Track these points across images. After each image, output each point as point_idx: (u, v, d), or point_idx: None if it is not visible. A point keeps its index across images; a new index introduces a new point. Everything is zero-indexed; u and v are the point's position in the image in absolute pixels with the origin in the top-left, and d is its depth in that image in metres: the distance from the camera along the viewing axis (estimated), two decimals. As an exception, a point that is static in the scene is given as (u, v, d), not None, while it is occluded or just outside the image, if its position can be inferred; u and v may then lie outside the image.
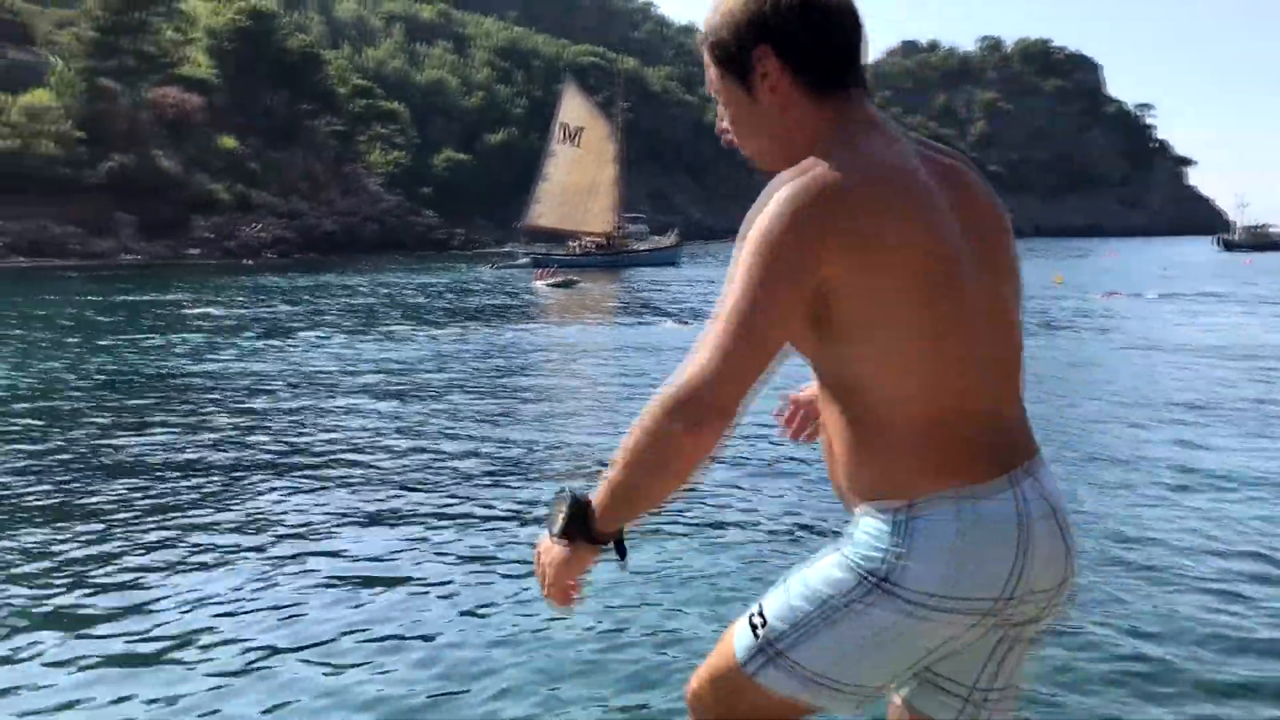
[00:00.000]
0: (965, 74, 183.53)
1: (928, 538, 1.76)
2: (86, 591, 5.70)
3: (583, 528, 1.85)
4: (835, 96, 1.85)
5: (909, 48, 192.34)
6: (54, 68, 68.54)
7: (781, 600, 1.89)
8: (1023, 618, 1.84)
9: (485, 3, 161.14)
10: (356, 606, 5.45)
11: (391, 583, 5.83)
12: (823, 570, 1.86)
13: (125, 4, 68.66)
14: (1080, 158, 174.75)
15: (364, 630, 5.08)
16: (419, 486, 8.09)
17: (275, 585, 5.77)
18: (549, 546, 1.91)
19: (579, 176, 58.47)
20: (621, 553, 1.90)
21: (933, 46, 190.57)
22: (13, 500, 7.65)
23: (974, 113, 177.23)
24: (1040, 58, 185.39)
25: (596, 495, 1.84)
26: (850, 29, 1.86)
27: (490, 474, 8.52)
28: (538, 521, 7.06)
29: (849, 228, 1.70)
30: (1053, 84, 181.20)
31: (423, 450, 9.42)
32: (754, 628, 1.90)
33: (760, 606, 1.92)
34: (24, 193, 60.29)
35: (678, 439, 1.70)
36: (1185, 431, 10.22)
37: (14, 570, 6.03)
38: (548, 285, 36.67)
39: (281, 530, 6.87)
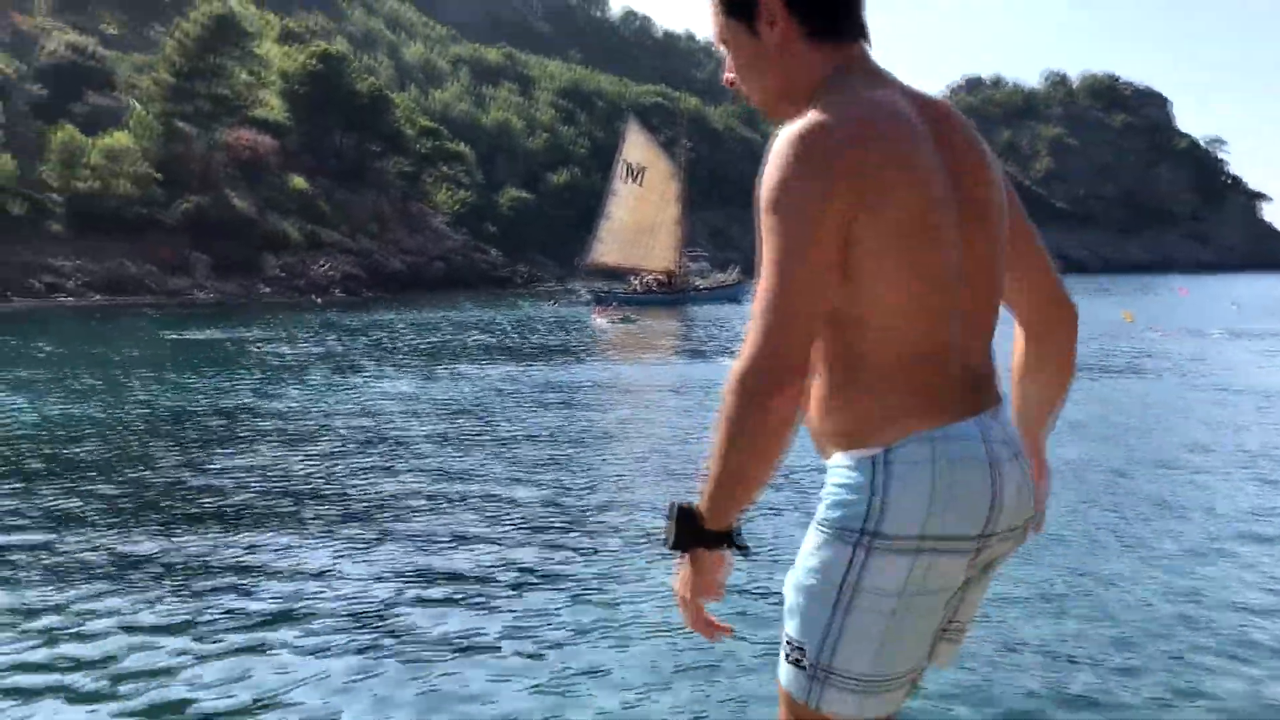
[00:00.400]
0: (1030, 110, 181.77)
1: (905, 477, 1.80)
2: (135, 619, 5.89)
3: (695, 532, 1.84)
4: (835, 44, 1.91)
5: (973, 84, 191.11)
6: (133, 111, 70.65)
7: (796, 614, 1.88)
8: (992, 556, 1.89)
9: (549, 45, 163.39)
10: (417, 662, 5.57)
11: (454, 648, 5.94)
12: (808, 560, 1.86)
13: (202, 49, 70.64)
14: (1149, 193, 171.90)
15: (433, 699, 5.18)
16: (481, 525, 8.22)
17: (344, 628, 5.92)
18: (678, 573, 1.91)
19: (641, 214, 58.82)
20: (740, 548, 1.87)
21: (996, 82, 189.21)
22: (87, 530, 7.91)
23: (1039, 148, 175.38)
24: (1106, 93, 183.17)
25: (701, 496, 1.84)
26: None
27: (550, 509, 8.63)
28: (587, 554, 7.16)
29: (852, 168, 1.75)
30: (1120, 119, 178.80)
31: (483, 490, 9.55)
32: (794, 661, 1.88)
33: (787, 634, 1.90)
34: (103, 232, 62.07)
35: (762, 405, 1.71)
36: (1255, 485, 10.02)
37: (76, 600, 6.25)
38: (607, 322, 36.85)
39: (348, 563, 7.03)
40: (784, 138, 1.78)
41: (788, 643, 1.89)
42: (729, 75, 2.00)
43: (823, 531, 1.85)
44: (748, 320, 1.80)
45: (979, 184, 1.90)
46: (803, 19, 1.89)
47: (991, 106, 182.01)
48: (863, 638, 1.82)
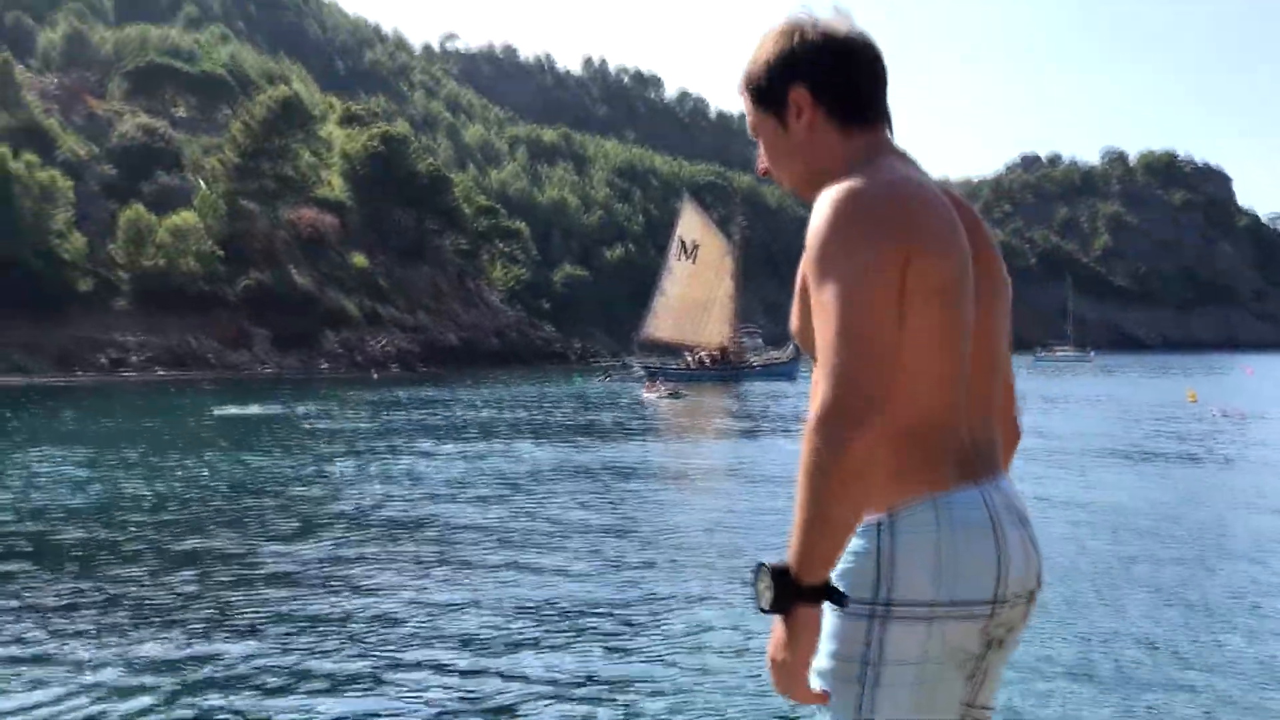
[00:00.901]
0: (1088, 187, 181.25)
1: (912, 543, 1.82)
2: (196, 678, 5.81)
3: (793, 590, 1.79)
4: (861, 129, 1.99)
5: (1029, 161, 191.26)
6: (199, 190, 72.68)
7: (831, 696, 1.86)
8: (1006, 622, 1.89)
9: (606, 125, 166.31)
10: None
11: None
12: (828, 644, 1.85)
13: (267, 131, 72.76)
14: (1210, 270, 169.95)
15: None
16: (527, 620, 8.09)
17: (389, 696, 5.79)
18: (771, 640, 1.85)
19: (695, 291, 59.15)
20: (838, 599, 1.83)
21: (1053, 160, 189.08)
22: (141, 597, 7.89)
23: (1097, 225, 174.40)
24: (1165, 169, 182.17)
25: (789, 551, 1.79)
26: (870, 66, 2.01)
27: (600, 585, 8.48)
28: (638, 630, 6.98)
29: (900, 219, 1.81)
30: (1179, 196, 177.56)
31: (531, 570, 9.44)
32: None
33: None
34: (167, 308, 63.56)
35: (844, 446, 1.70)
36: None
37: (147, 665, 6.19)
38: (656, 397, 36.88)
39: (394, 638, 6.93)
40: (831, 196, 1.85)
41: None
42: (763, 164, 2.11)
43: (835, 609, 1.84)
44: (808, 387, 1.79)
45: (993, 265, 1.99)
46: (829, 108, 1.98)
47: (1048, 184, 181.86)
48: (896, 712, 1.81)
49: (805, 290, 1.90)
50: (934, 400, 1.86)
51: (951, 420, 1.88)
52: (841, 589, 1.82)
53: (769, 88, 2.01)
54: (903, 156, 1.99)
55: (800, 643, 1.81)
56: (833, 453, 1.70)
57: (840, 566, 1.83)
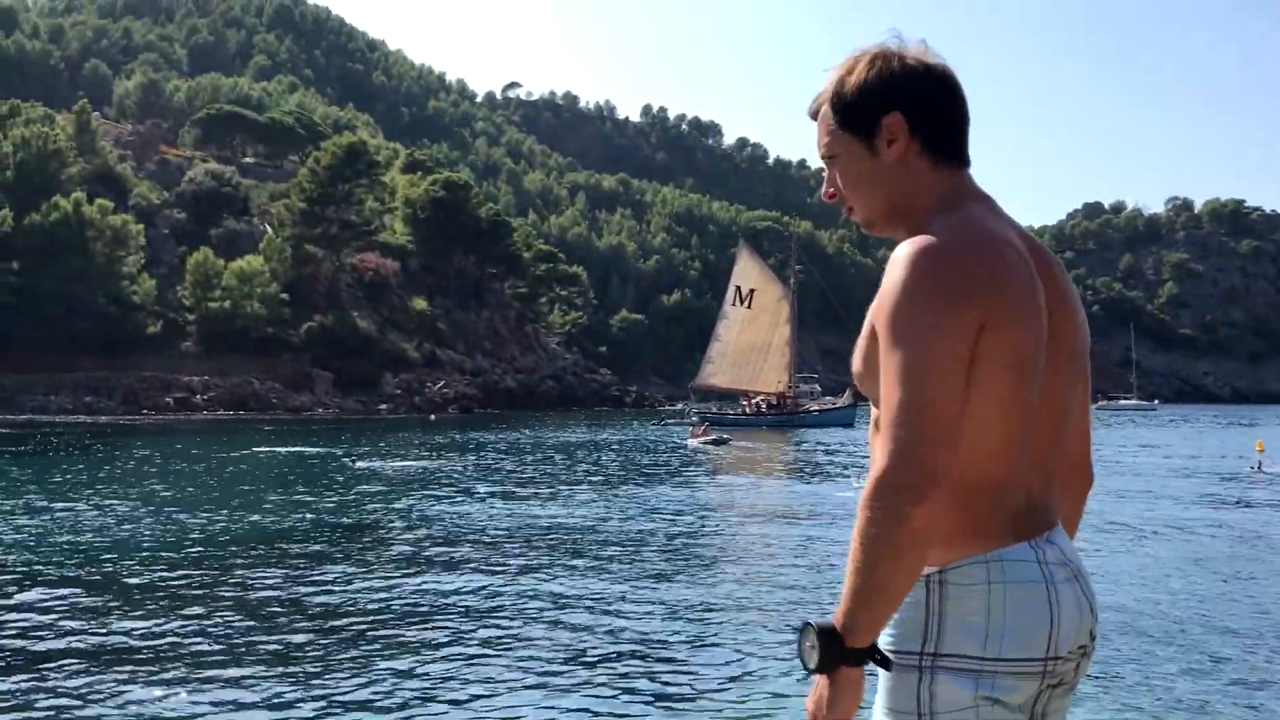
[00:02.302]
0: (1151, 234, 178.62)
1: (961, 599, 1.79)
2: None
3: (840, 652, 1.78)
4: (950, 167, 1.93)
5: (1092, 209, 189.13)
6: (265, 235, 74.21)
7: None
8: (1062, 675, 1.84)
9: (664, 172, 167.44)
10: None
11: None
12: (883, 695, 1.84)
13: (332, 177, 74.23)
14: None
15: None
16: (580, 648, 8.11)
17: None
18: (814, 693, 1.84)
19: (752, 337, 59.09)
20: (884, 662, 1.82)
21: (1117, 209, 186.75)
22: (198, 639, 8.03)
23: (1163, 274, 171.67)
24: (1231, 218, 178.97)
25: (839, 613, 1.78)
26: (963, 104, 1.96)
27: (653, 631, 8.49)
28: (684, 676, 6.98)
29: (982, 283, 1.76)
30: (1247, 245, 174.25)
31: (580, 617, 9.46)
32: None
33: None
34: (232, 350, 64.79)
35: (906, 516, 1.68)
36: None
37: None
38: (700, 443, 36.94)
39: (444, 683, 6.99)
40: (911, 251, 1.78)
41: None
42: (830, 189, 2.01)
43: (885, 668, 1.82)
44: (866, 433, 1.78)
45: (1068, 324, 1.91)
46: (925, 139, 1.92)
47: (1112, 232, 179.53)
48: None
49: (873, 337, 1.84)
50: (994, 465, 1.82)
51: (1010, 483, 1.84)
52: (889, 641, 1.81)
53: (862, 111, 1.92)
54: (988, 201, 1.94)
55: (841, 702, 1.80)
56: (890, 524, 1.68)
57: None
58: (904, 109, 1.90)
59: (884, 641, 1.83)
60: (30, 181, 65.06)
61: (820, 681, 1.82)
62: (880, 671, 1.83)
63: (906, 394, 1.71)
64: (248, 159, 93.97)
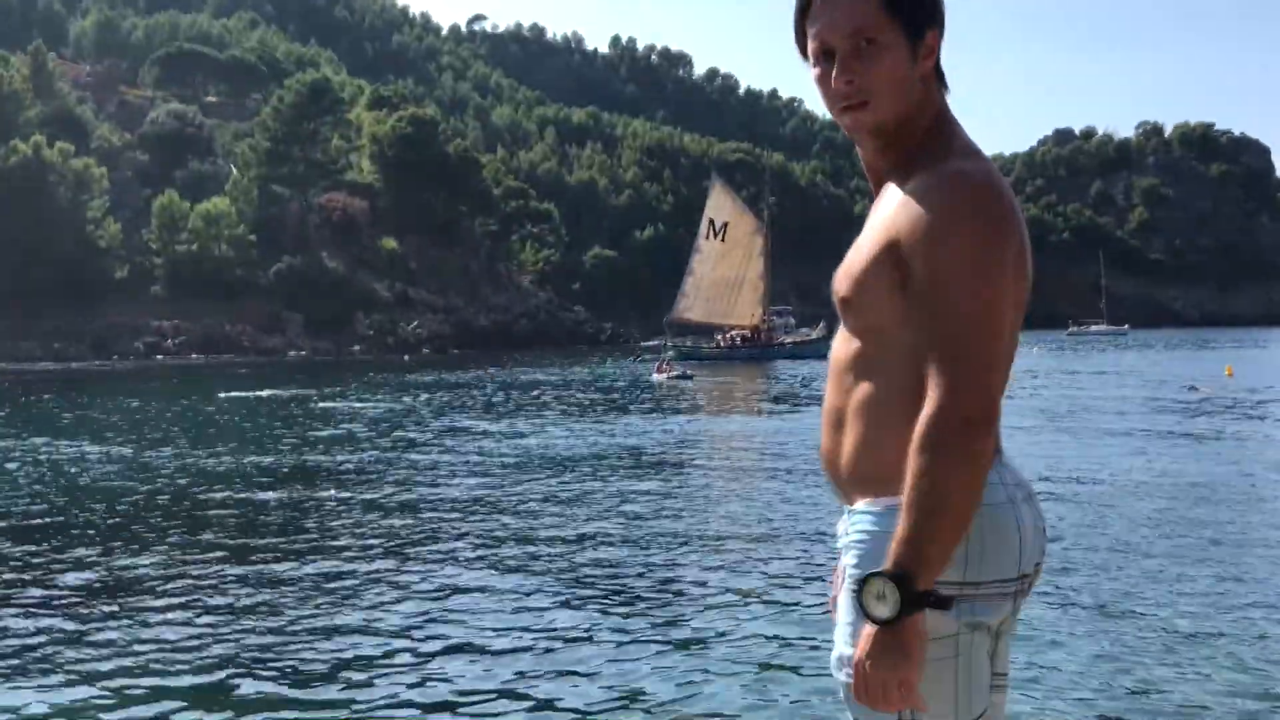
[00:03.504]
0: (1122, 160, 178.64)
1: None
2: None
3: (915, 597, 1.70)
4: (943, 91, 1.97)
5: (1062, 136, 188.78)
6: (231, 176, 73.17)
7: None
8: (1025, 596, 1.90)
9: (634, 105, 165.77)
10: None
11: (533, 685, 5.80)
12: (850, 631, 1.83)
13: (297, 116, 73.11)
14: (1249, 245, 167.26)
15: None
16: (552, 595, 8.09)
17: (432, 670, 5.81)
18: (870, 650, 1.74)
19: (725, 271, 58.97)
20: (943, 601, 1.74)
21: (1088, 134, 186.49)
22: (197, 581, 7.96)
23: (1133, 199, 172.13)
24: (1202, 142, 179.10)
25: (904, 556, 1.70)
26: None
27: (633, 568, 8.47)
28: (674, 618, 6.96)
29: (1016, 221, 1.82)
30: (1217, 168, 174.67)
31: (554, 551, 9.44)
32: None
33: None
34: (201, 293, 64.15)
35: (975, 451, 1.70)
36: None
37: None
38: (665, 379, 37.00)
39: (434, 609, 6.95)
40: (964, 182, 1.79)
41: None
42: (850, 78, 1.86)
43: (856, 593, 1.78)
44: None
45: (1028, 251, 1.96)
46: (937, 64, 1.95)
47: (1082, 157, 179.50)
48: (940, 690, 1.79)
49: (880, 262, 1.81)
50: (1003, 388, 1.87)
51: (999, 413, 1.85)
52: (866, 570, 1.77)
53: (921, 14, 1.88)
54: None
55: (916, 652, 1.72)
56: (965, 457, 1.69)
57: (862, 548, 1.84)
58: (939, 31, 1.92)
59: (856, 577, 1.81)
60: (-13, 125, 63.78)
61: (879, 637, 1.72)
62: (846, 602, 1.83)
63: (975, 324, 1.73)
64: (210, 98, 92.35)
